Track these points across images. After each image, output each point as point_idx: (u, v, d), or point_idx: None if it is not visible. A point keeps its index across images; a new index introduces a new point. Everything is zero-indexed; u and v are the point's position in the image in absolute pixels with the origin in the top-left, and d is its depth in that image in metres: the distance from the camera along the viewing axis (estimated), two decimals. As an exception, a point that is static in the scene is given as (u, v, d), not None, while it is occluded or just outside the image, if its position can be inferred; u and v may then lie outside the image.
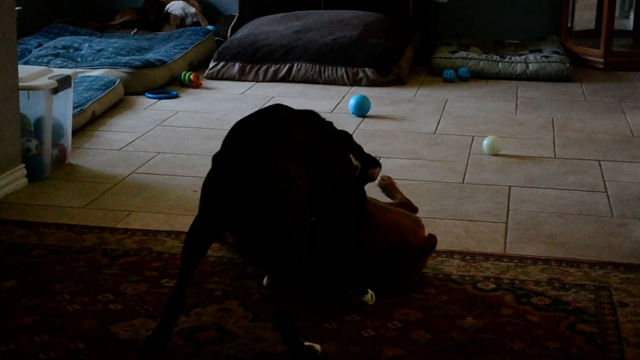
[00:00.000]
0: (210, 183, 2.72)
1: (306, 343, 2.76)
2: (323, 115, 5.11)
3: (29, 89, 4.30)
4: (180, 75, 6.42)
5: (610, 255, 3.56)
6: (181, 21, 7.80)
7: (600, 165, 4.70)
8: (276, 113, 2.88)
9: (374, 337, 2.88)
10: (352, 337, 2.87)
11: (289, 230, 2.66)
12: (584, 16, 7.70)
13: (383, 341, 2.86)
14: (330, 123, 3.15)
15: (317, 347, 2.78)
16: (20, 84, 4.25)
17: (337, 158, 3.05)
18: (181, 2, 7.85)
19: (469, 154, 4.88)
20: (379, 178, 3.43)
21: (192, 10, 7.82)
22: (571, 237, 3.74)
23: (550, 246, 3.64)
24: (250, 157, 2.66)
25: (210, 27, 7.57)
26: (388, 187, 3.63)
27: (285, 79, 6.56)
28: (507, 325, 2.97)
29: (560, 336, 2.90)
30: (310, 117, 3.06)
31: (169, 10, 7.84)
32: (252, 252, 3.34)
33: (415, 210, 3.52)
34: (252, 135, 2.72)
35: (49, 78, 4.40)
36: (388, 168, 4.59)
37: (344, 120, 5.53)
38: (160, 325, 2.79)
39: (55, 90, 4.37)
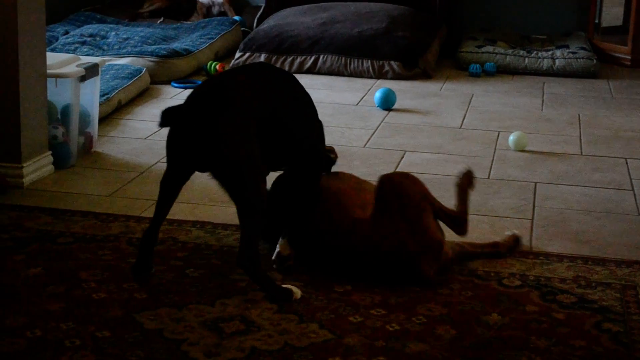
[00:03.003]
0: (168, 139, 3.10)
1: (285, 285, 3.07)
2: (347, 108, 5.09)
3: (56, 76, 4.31)
4: (206, 65, 6.43)
5: (637, 254, 3.54)
6: (208, 10, 7.82)
7: (627, 163, 4.68)
8: (236, 78, 3.20)
9: (399, 332, 2.87)
10: (376, 331, 2.87)
11: (234, 183, 3.00)
12: (611, 12, 7.67)
13: (408, 336, 2.85)
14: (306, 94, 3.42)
15: (297, 290, 3.07)
16: (48, 71, 4.26)
17: (304, 118, 3.34)
18: (208, -10, 7.87)
19: (495, 149, 4.86)
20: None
21: (220, 0, 7.82)
22: (597, 235, 3.73)
23: (576, 244, 3.62)
24: (198, 120, 2.99)
25: (237, 18, 7.57)
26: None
27: (311, 70, 6.56)
28: (532, 323, 2.95)
29: (585, 334, 2.89)
30: (286, 82, 3.34)
31: (196, -1, 7.86)
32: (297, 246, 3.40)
33: (462, 231, 3.38)
34: (204, 99, 3.06)
35: (77, 66, 4.41)
36: (413, 162, 4.59)
37: (369, 113, 5.52)
38: (140, 256, 3.20)
39: (82, 78, 4.38)
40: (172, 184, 3.18)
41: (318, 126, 3.44)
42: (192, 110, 3.04)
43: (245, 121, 3.03)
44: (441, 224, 3.30)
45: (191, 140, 3.01)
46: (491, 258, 3.42)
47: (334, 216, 3.26)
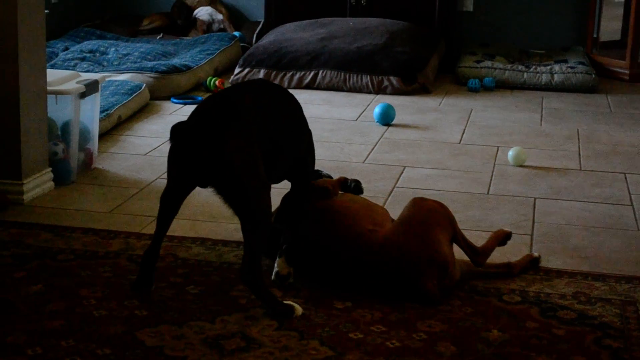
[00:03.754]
0: (171, 153, 3.10)
1: (286, 302, 3.07)
2: (346, 123, 5.12)
3: (57, 93, 4.32)
4: (206, 81, 6.44)
5: (637, 270, 3.54)
6: (208, 27, 7.84)
7: (626, 178, 4.69)
8: (241, 94, 3.25)
9: (399, 348, 2.88)
10: (377, 348, 2.87)
11: (239, 198, 3.01)
12: (609, 27, 7.69)
13: (408, 352, 2.85)
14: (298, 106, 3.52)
15: (297, 307, 3.07)
16: (48, 88, 4.27)
17: (299, 133, 3.43)
18: (209, 8, 7.89)
19: (494, 164, 4.87)
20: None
21: (220, 17, 7.85)
22: (597, 250, 3.73)
23: (575, 259, 3.63)
24: (204, 135, 3.00)
25: (236, 33, 7.59)
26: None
27: (310, 86, 6.57)
28: (533, 339, 2.96)
29: (585, 351, 2.89)
30: (283, 97, 3.44)
31: (196, 15, 7.87)
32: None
33: (478, 262, 3.40)
34: (210, 114, 3.08)
35: (77, 82, 4.42)
36: (413, 177, 4.60)
37: (368, 128, 5.53)
38: (142, 273, 3.21)
39: (83, 95, 4.39)
40: (172, 199, 3.18)
41: (308, 138, 3.50)
42: (198, 125, 3.05)
43: (250, 137, 3.05)
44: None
45: (196, 154, 3.01)
46: (502, 278, 3.42)
47: (343, 227, 3.28)
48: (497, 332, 3.00)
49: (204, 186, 3.11)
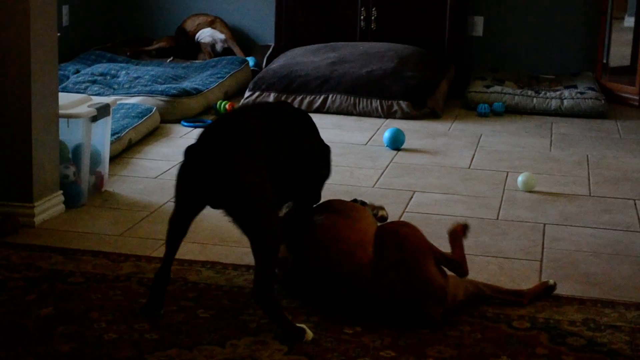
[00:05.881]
0: (181, 175, 3.12)
1: (298, 325, 3.08)
2: (356, 148, 5.13)
3: (68, 116, 4.34)
4: (216, 105, 6.47)
5: (646, 297, 3.54)
6: (212, 48, 7.87)
7: (635, 204, 4.69)
8: (249, 116, 3.27)
9: (409, 374, 2.88)
10: (386, 374, 2.88)
11: (248, 219, 3.04)
12: (619, 52, 7.70)
13: (417, 378, 2.86)
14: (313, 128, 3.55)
15: (308, 331, 3.07)
16: (60, 111, 4.30)
17: (308, 153, 3.44)
18: (209, 29, 7.91)
19: (504, 189, 4.88)
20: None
21: (221, 36, 7.87)
22: (606, 277, 3.73)
23: (585, 286, 3.63)
24: (214, 156, 3.03)
25: (249, 59, 7.61)
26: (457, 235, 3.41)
27: (320, 110, 6.59)
28: (542, 366, 2.96)
29: (595, 378, 2.90)
30: (292, 117, 3.47)
31: (199, 40, 7.92)
32: (296, 286, 3.41)
33: (462, 273, 3.32)
34: (220, 136, 3.11)
35: (89, 106, 4.44)
36: (422, 202, 4.61)
37: (378, 152, 5.55)
38: (152, 296, 3.24)
39: (94, 119, 4.41)
40: (181, 221, 3.20)
41: (319, 161, 3.51)
42: (206, 147, 3.07)
43: (258, 157, 3.08)
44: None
45: (206, 176, 3.04)
46: (510, 305, 3.42)
47: (333, 259, 3.27)
48: (507, 359, 3.00)
49: (215, 207, 3.13)
